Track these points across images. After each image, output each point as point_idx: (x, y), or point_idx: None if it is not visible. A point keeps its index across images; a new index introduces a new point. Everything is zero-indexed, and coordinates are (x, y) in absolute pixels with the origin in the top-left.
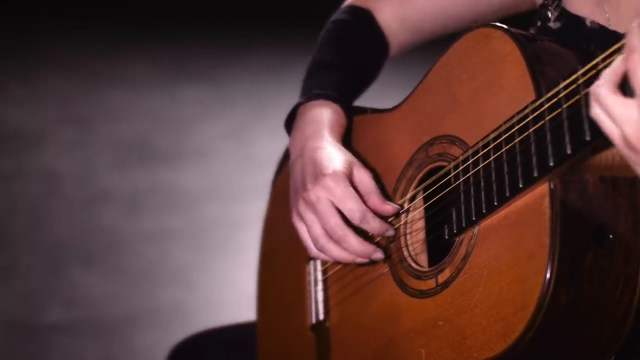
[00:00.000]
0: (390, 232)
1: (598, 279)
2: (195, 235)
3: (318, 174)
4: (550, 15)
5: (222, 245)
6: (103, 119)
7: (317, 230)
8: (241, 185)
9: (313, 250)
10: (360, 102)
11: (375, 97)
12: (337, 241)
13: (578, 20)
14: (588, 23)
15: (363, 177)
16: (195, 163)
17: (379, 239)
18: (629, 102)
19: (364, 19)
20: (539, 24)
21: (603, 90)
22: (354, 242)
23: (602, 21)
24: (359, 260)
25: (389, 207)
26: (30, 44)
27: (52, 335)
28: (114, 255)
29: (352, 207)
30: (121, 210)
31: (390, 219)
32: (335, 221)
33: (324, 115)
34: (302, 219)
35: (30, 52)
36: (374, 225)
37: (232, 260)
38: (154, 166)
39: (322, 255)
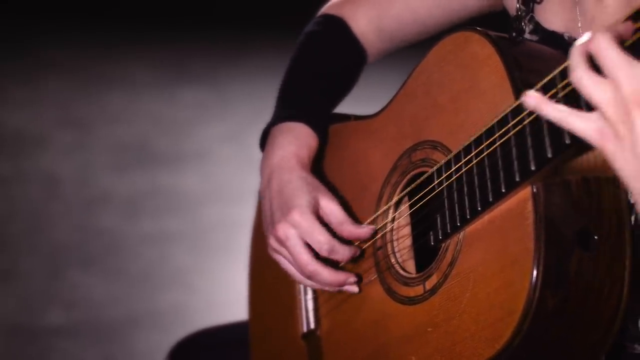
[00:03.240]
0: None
1: (584, 281)
2: (195, 238)
3: (284, 209)
4: (525, 27)
5: (222, 248)
6: (103, 121)
7: (292, 267)
8: (241, 188)
9: (299, 280)
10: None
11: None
12: (309, 277)
13: (555, 35)
14: (566, 37)
15: (331, 208)
16: (195, 165)
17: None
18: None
19: (339, 28)
20: (513, 35)
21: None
22: (326, 274)
23: (577, 36)
24: (336, 289)
25: (362, 232)
26: (30, 46)
27: (52, 338)
28: (113, 257)
29: (320, 240)
30: (121, 212)
31: (378, 226)
32: (305, 259)
33: (292, 141)
34: (277, 253)
35: (30, 54)
36: (343, 253)
37: (232, 262)
38: (154, 168)
39: (306, 284)
